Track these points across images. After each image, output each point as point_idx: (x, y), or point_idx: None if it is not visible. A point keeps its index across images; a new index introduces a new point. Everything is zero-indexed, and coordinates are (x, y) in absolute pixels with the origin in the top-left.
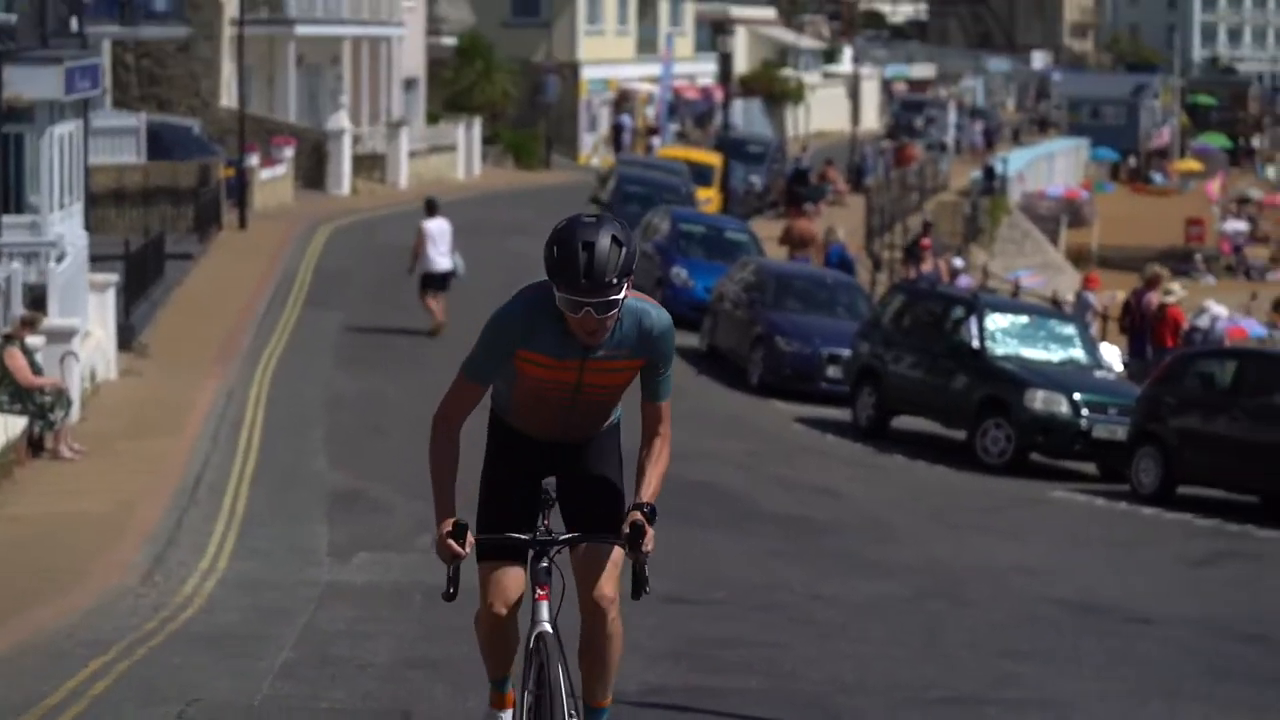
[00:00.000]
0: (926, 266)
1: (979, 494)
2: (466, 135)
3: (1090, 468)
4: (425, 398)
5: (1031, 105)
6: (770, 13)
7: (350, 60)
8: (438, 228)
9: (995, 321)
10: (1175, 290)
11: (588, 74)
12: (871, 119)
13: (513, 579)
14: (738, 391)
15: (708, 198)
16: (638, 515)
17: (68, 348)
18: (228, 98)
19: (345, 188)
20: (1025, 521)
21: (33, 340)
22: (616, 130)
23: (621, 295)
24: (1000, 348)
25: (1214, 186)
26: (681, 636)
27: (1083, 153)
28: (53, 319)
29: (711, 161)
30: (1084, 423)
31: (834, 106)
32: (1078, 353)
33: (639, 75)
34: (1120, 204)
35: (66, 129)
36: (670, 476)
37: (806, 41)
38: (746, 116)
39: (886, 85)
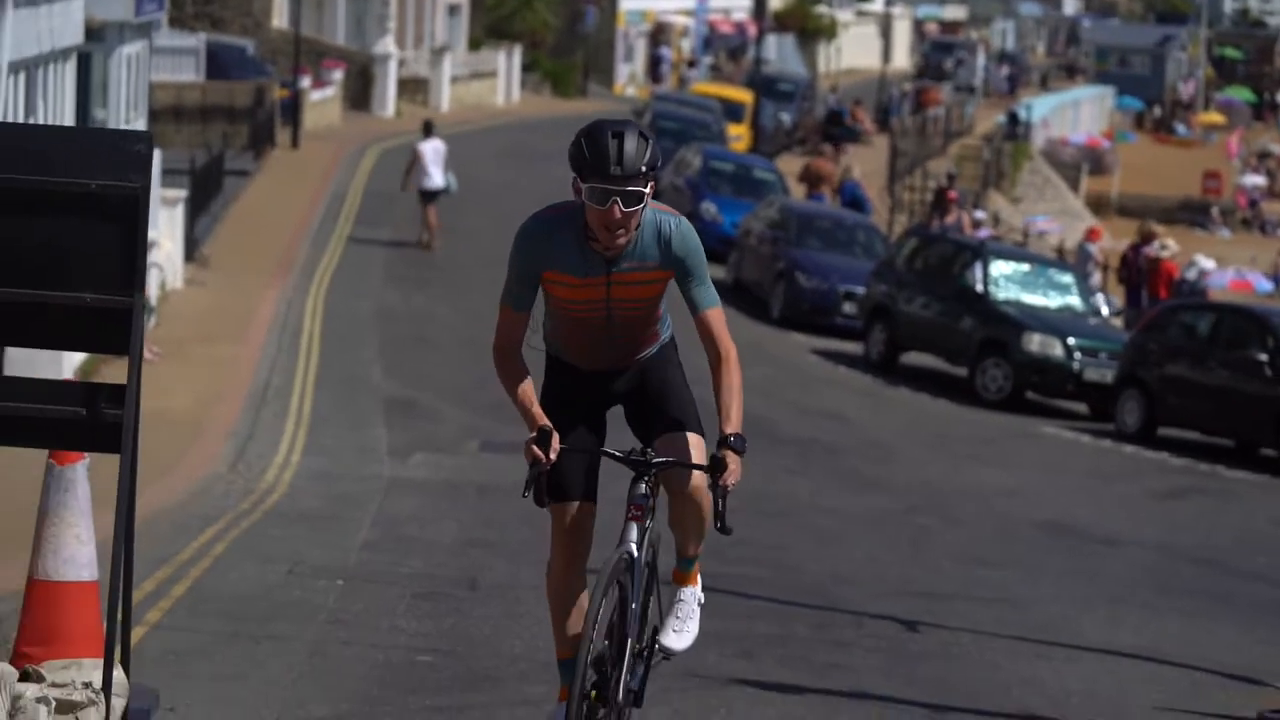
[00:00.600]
0: (950, 218)
1: (975, 426)
2: (507, 62)
3: (1081, 407)
4: (468, 313)
5: (1061, 50)
6: None
7: None
8: (433, 148)
9: (999, 268)
10: (1170, 245)
11: (625, 5)
12: (903, 59)
13: (580, 519)
14: (760, 323)
15: (739, 134)
16: (724, 449)
17: (149, 259)
18: (279, 19)
19: (390, 110)
20: (1015, 452)
21: None
22: (654, 62)
23: (648, 191)
24: (1002, 293)
25: (1234, 140)
26: None
27: (1108, 101)
28: None
29: (743, 99)
30: (1076, 365)
31: (866, 45)
32: (1074, 300)
33: (676, 8)
34: (1142, 153)
35: (134, 49)
36: (699, 400)
37: None
38: (780, 52)
39: (918, 25)
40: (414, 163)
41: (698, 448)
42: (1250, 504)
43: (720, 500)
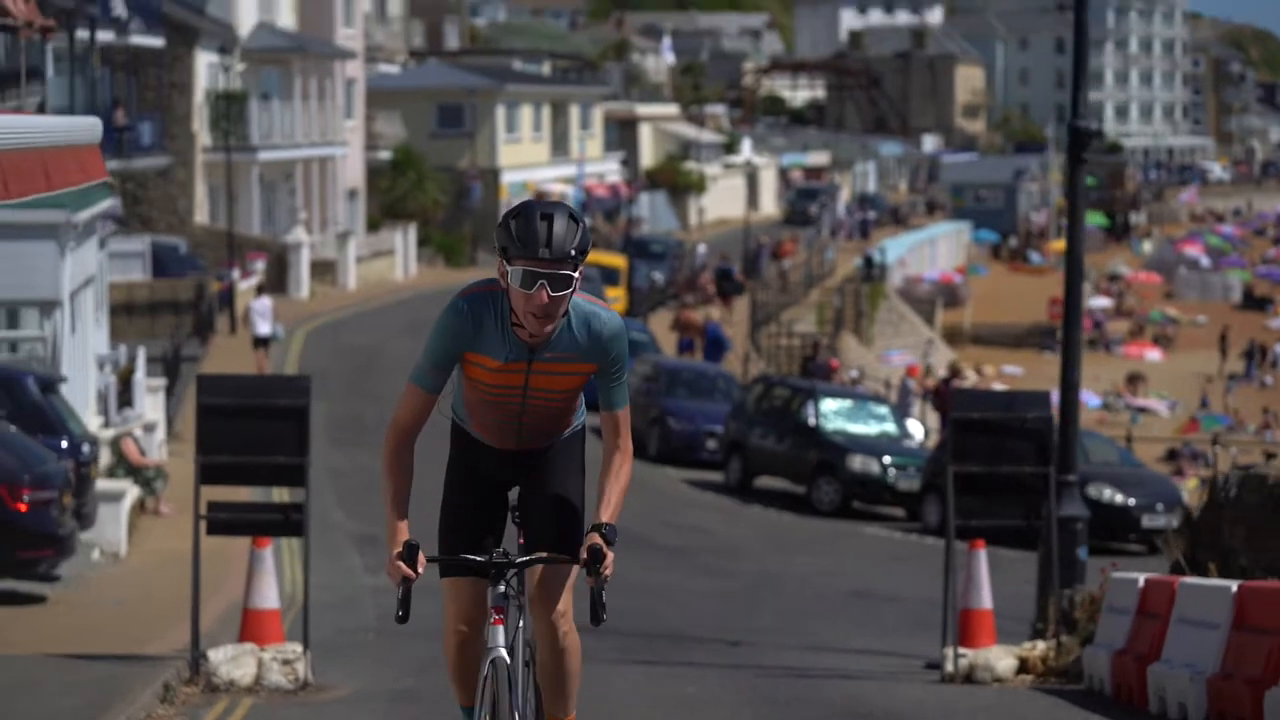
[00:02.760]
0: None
1: (811, 531)
2: (403, 240)
3: (900, 511)
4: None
5: (923, 187)
6: (673, 109)
7: (302, 177)
8: (261, 305)
9: (827, 405)
10: (971, 376)
11: (507, 178)
12: (770, 205)
13: (474, 595)
14: (638, 460)
15: (616, 295)
16: (596, 538)
17: (154, 436)
18: (201, 214)
19: (305, 292)
20: (839, 548)
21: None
22: None
23: (577, 276)
24: (830, 424)
25: None
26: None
27: (964, 235)
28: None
29: (618, 264)
30: (891, 478)
31: (734, 195)
32: (889, 426)
33: (554, 176)
34: (997, 283)
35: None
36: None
37: (707, 135)
38: (652, 209)
39: (783, 173)
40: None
41: (568, 582)
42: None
43: (600, 590)
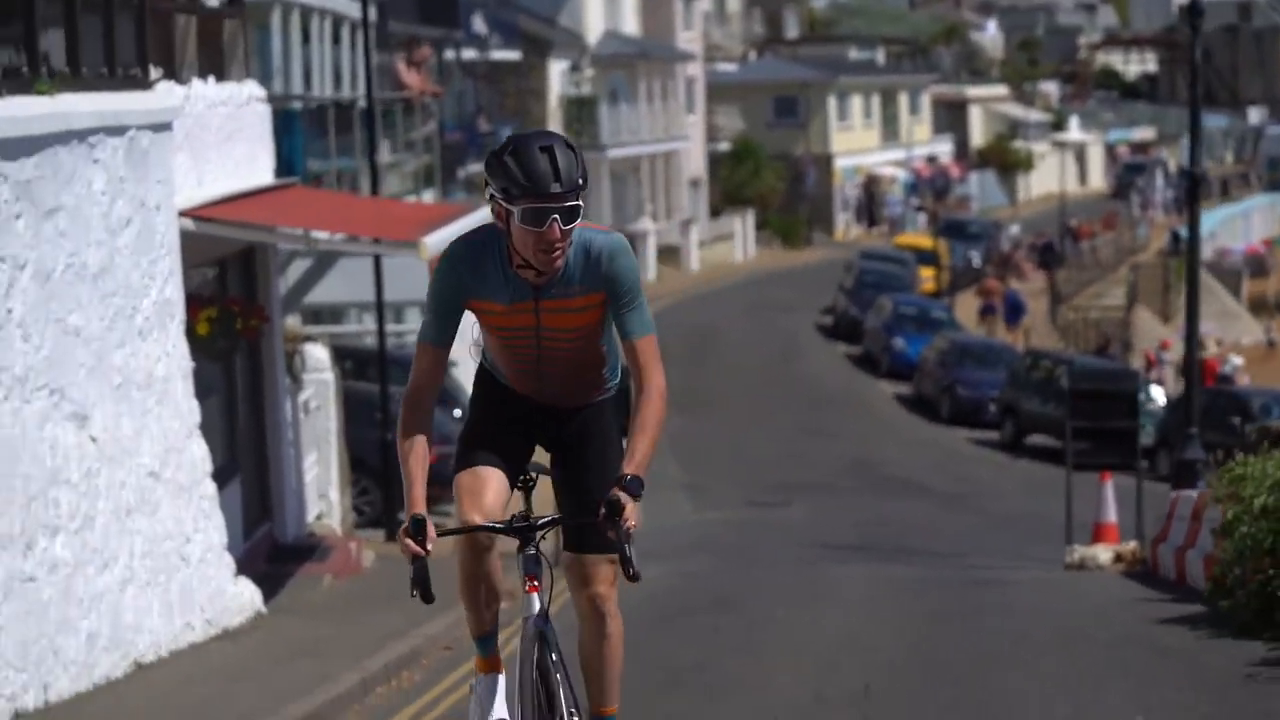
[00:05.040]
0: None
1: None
2: (742, 224)
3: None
4: (732, 427)
5: (1250, 159)
6: (1002, 89)
7: (648, 170)
8: None
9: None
10: (1208, 347)
11: (840, 163)
12: (1098, 180)
13: (492, 485)
14: (934, 423)
15: (928, 276)
16: (617, 490)
17: None
18: None
19: (652, 275)
20: (1080, 492)
21: None
22: (869, 207)
23: (581, 204)
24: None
25: None
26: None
27: (1279, 208)
28: None
29: (935, 247)
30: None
31: (1060, 171)
32: None
33: (885, 160)
34: None
35: None
36: (883, 473)
37: (1035, 114)
38: (981, 186)
39: (1110, 149)
40: None
41: (611, 563)
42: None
43: (625, 544)
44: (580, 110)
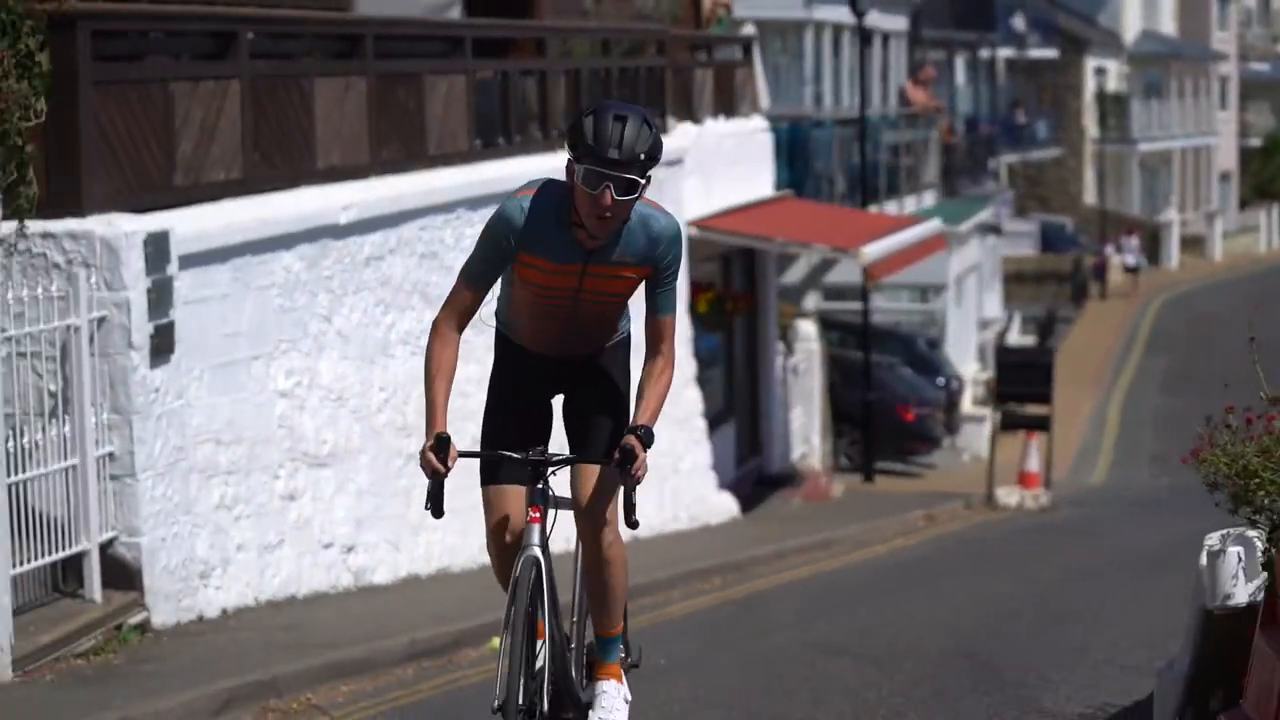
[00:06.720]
0: None
1: None
2: (1267, 217)
3: None
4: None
5: None
6: None
7: (1178, 163)
8: (1130, 243)
9: None
10: None
11: None
12: None
13: (511, 499)
14: None
15: None
16: (631, 439)
17: None
18: (1089, 197)
19: (1174, 263)
20: None
21: None
22: None
23: (643, 181)
24: None
25: None
26: None
27: None
28: None
29: None
30: None
31: None
32: None
33: None
34: None
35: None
36: None
37: None
38: None
39: None
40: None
41: (610, 490)
42: None
43: (630, 491)
44: (1113, 105)
